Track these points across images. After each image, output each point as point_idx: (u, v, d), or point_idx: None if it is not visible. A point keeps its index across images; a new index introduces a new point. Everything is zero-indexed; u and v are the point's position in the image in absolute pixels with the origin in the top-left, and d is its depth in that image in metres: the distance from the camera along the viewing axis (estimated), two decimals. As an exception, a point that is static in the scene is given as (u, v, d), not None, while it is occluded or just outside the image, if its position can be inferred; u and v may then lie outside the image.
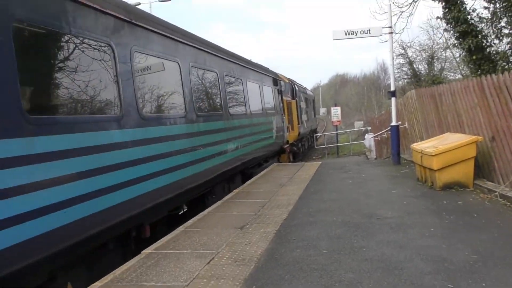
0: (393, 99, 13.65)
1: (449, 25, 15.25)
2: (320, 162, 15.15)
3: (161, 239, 6.38)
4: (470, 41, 14.28)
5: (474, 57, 14.45)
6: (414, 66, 38.00)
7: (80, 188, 4.82)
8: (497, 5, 14.38)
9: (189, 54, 8.54)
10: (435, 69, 33.45)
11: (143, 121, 6.40)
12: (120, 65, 5.91)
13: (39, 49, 4.70)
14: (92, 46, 5.37)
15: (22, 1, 4.31)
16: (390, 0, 14.68)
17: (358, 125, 50.56)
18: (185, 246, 5.95)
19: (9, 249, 3.86)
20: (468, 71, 19.32)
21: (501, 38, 14.57)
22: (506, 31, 14.41)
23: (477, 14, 14.81)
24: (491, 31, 14.67)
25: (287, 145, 18.24)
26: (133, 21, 6.37)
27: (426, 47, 33.91)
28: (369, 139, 24.05)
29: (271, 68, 18.61)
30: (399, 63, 35.33)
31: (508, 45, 14.51)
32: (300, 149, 24.34)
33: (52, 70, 4.81)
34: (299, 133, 22.91)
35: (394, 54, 34.86)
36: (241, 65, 12.37)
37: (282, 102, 18.05)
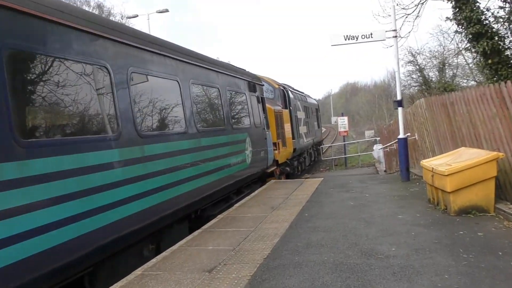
0: (399, 109, 12.35)
1: (460, 27, 13.95)
2: (322, 179, 13.84)
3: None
4: (485, 44, 12.96)
5: (490, 61, 13.12)
6: (425, 73, 36.72)
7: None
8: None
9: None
10: (447, 76, 32.06)
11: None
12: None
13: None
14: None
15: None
16: (394, 2, 13.43)
17: (369, 134, 49.15)
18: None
19: None
20: (483, 78, 17.95)
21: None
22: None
23: (492, 14, 13.49)
24: (509, 32, 13.32)
25: (275, 167, 15.07)
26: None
27: (437, 54, 32.61)
28: (377, 151, 22.72)
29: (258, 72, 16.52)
30: (409, 70, 34.02)
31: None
32: (297, 168, 20.37)
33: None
34: (295, 149, 18.90)
35: (403, 61, 33.56)
36: (175, 58, 8.06)
37: (265, 113, 14.39)
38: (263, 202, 10.16)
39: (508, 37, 13.34)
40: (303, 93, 26.74)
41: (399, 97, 12.30)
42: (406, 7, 15.10)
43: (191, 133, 8.23)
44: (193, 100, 8.67)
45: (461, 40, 15.79)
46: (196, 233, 7.62)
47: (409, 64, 33.00)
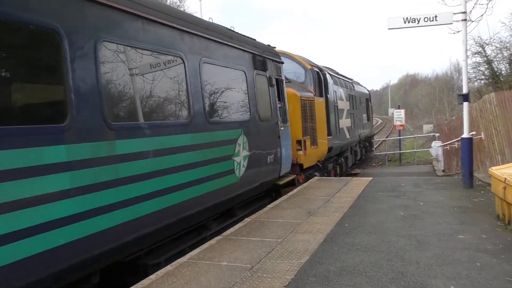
0: (465, 104, 10.67)
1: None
2: (371, 178, 12.40)
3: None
4: None
5: None
6: (493, 65, 33.78)
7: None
8: None
9: None
10: (519, 69, 29.23)
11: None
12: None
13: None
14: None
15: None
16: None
17: (427, 128, 46.49)
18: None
19: None
20: None
21: None
22: None
23: None
24: None
25: (294, 176, 11.48)
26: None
27: (508, 45, 29.79)
28: (436, 148, 20.83)
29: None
30: (476, 62, 31.36)
31: None
32: (333, 170, 15.79)
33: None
34: (330, 148, 14.74)
35: (469, 52, 31.04)
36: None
37: (283, 100, 10.87)
38: (299, 204, 8.98)
39: None
40: (349, 79, 21.86)
41: (465, 90, 10.63)
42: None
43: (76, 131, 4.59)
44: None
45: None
46: (214, 241, 6.57)
47: (476, 55, 30.35)
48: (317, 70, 14.54)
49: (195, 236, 7.33)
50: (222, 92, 7.98)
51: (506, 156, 10.73)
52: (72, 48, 4.53)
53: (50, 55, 4.43)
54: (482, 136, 12.62)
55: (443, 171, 18.57)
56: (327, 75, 15.46)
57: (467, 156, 10.36)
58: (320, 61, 17.53)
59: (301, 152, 11.92)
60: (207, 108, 7.21)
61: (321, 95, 14.42)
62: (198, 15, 16.62)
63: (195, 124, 6.77)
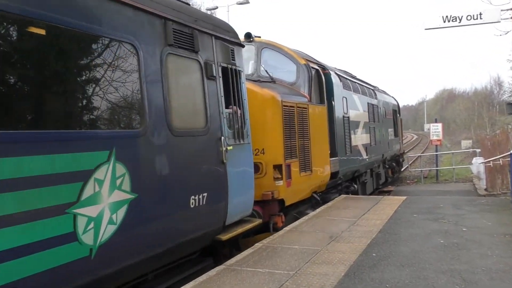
0: (515, 114, 9.39)
1: None
2: (404, 198, 11.11)
3: None
4: None
5: None
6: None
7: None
8: None
9: None
10: None
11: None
12: None
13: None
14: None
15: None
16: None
17: (466, 144, 44.41)
18: None
19: None
20: None
21: None
22: None
23: None
24: None
25: (273, 215, 8.25)
26: None
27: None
28: (477, 165, 19.24)
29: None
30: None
31: None
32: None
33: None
34: (335, 173, 10.96)
35: (509, 60, 29.39)
36: None
37: (239, 105, 7.18)
38: (321, 227, 7.83)
39: None
40: (369, 84, 17.64)
41: (514, 99, 9.32)
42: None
43: None
44: None
45: None
46: (213, 272, 5.51)
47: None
48: (316, 68, 10.65)
49: None
50: (59, 78, 4.19)
51: None
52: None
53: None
54: (533, 151, 11.18)
55: (486, 190, 16.98)
56: (333, 76, 11.56)
57: (518, 174, 9.00)
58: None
59: (281, 183, 8.18)
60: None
61: (321, 101, 10.55)
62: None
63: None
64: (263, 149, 8.17)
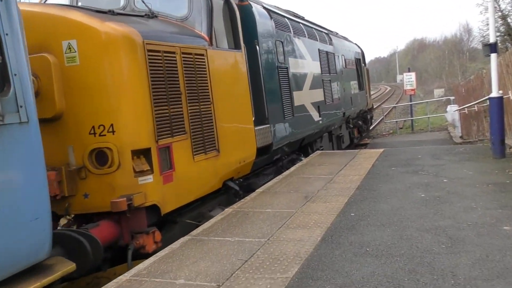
0: (493, 56, 8.93)
1: None
2: (381, 150, 10.71)
3: None
4: None
5: None
6: (509, 20, 31.64)
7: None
8: None
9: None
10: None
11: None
12: None
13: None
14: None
15: None
16: None
17: (439, 93, 44.52)
18: None
19: None
20: None
21: None
22: None
23: None
24: None
25: (142, 233, 5.03)
26: None
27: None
28: (452, 113, 19.07)
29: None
30: (487, 18, 29.34)
31: None
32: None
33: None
34: (269, 146, 8.20)
35: (482, 7, 29.04)
36: None
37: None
38: (295, 187, 7.36)
39: None
40: (320, 27, 14.31)
41: (492, 39, 8.84)
42: None
43: None
44: None
45: None
46: (177, 244, 4.98)
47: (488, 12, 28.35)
48: None
49: None
50: None
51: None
52: None
53: None
54: (510, 95, 10.83)
55: (461, 137, 16.86)
56: (256, 10, 8.38)
57: (497, 120, 8.63)
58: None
59: (149, 179, 5.09)
60: None
61: (235, 46, 7.45)
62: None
63: None
64: (111, 125, 4.89)
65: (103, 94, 4.97)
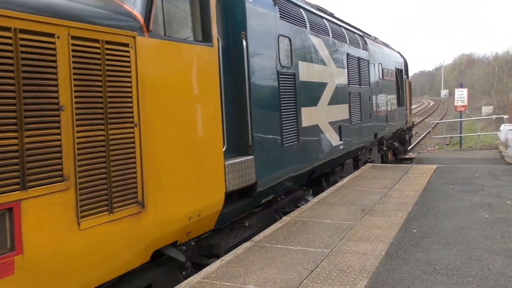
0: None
1: None
2: (435, 167, 10.50)
3: None
4: None
5: None
6: None
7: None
8: None
9: None
10: None
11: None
12: None
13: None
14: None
15: None
16: None
17: (487, 110, 43.15)
18: None
19: None
20: None
21: None
22: None
23: None
24: None
25: None
26: None
27: None
28: (506, 132, 18.45)
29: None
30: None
31: None
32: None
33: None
34: (253, 185, 5.76)
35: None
36: None
37: None
38: (350, 199, 7.33)
39: None
40: (352, 26, 11.57)
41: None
42: None
43: None
44: None
45: None
46: (241, 249, 5.06)
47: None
48: None
49: None
50: None
51: None
52: None
53: None
54: None
55: (514, 157, 16.27)
56: None
57: None
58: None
59: None
60: None
61: (204, 39, 4.83)
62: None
63: None
64: None
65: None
